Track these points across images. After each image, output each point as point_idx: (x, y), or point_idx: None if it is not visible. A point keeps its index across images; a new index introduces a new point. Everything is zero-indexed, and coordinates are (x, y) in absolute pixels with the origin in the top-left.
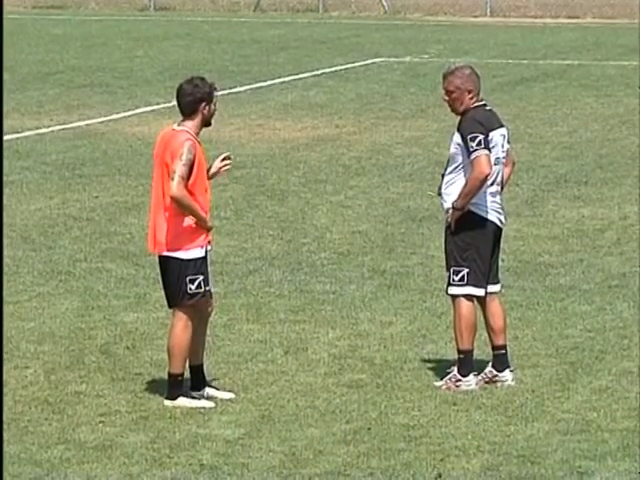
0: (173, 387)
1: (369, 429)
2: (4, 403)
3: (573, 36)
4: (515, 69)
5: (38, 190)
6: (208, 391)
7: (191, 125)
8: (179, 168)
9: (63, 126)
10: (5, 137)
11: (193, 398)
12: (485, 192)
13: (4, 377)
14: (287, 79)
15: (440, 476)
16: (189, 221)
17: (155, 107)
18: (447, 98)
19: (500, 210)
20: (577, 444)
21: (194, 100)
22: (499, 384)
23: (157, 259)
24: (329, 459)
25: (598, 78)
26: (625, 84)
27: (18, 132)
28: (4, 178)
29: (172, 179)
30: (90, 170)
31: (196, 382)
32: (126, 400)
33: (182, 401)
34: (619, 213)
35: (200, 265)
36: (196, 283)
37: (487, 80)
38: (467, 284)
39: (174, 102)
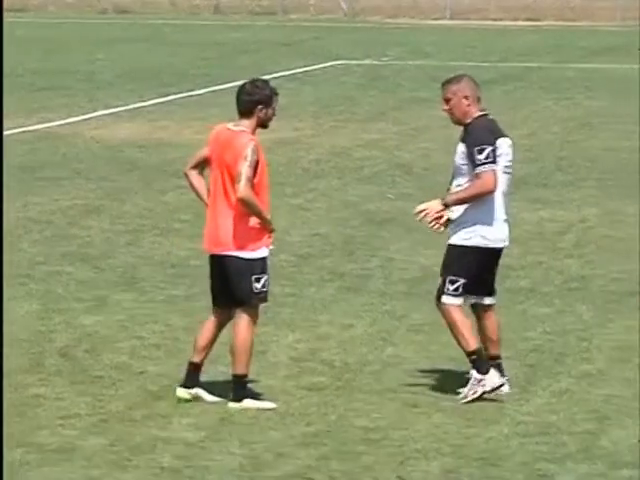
0: (238, 388)
1: (329, 432)
2: None
3: (533, 39)
4: (475, 71)
5: None
6: (197, 391)
7: (247, 125)
8: (245, 170)
9: (23, 129)
10: None
11: (257, 399)
12: (495, 216)
13: None
14: None
15: (401, 479)
16: (254, 221)
17: (114, 110)
18: (446, 107)
19: (506, 229)
20: (537, 447)
21: (251, 101)
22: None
23: (210, 259)
24: (289, 462)
25: (558, 81)
26: (585, 86)
27: None
28: None
29: (239, 181)
30: (50, 173)
31: (189, 380)
32: (86, 403)
33: (248, 403)
34: (579, 215)
35: (264, 265)
36: (262, 282)
37: None
38: (461, 295)
39: (133, 105)
